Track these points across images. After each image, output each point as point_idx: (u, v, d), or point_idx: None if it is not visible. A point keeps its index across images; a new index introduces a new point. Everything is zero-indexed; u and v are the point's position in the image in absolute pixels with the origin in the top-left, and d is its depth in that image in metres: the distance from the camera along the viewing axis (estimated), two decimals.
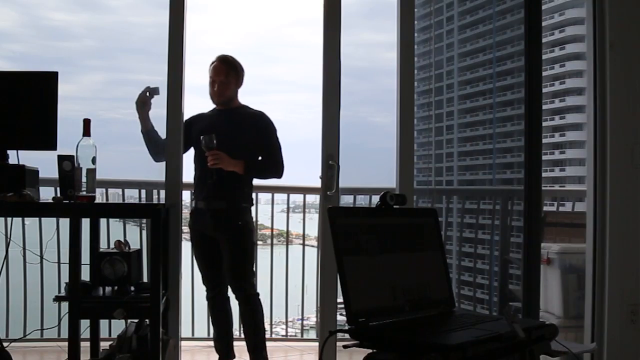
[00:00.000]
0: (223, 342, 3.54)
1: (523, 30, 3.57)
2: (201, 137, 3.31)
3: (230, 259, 3.42)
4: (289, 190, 4.94)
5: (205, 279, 3.58)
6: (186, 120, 3.48)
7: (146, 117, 3.33)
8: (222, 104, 3.50)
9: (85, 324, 3.06)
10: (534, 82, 3.52)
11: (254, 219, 3.67)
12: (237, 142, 3.40)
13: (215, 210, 3.41)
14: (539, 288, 3.57)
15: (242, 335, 4.46)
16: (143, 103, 3.29)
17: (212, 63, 3.49)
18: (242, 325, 3.56)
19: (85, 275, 2.90)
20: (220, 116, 3.51)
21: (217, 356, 3.55)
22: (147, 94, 3.27)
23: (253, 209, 3.59)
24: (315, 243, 4.81)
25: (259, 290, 3.56)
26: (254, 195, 3.64)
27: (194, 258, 3.66)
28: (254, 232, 3.64)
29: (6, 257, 3.06)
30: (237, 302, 3.49)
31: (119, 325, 3.43)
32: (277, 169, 3.51)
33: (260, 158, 3.50)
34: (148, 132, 3.34)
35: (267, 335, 3.37)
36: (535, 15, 3.52)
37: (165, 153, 3.24)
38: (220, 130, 3.37)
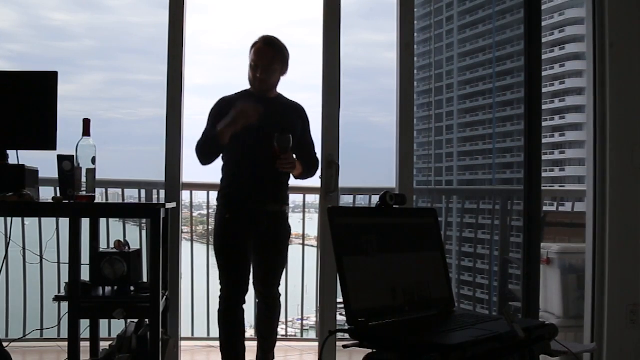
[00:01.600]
0: (238, 354, 3.12)
1: (523, 30, 3.57)
2: (275, 134, 2.88)
3: (269, 264, 3.16)
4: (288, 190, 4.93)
5: (233, 287, 3.03)
6: (220, 102, 3.09)
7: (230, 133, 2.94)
8: (262, 91, 3.08)
9: (85, 324, 3.06)
10: (534, 82, 3.52)
11: None
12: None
13: (271, 213, 3.07)
14: (539, 288, 3.57)
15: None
16: (246, 116, 2.91)
17: (254, 45, 3.06)
18: (258, 325, 3.32)
19: (85, 275, 2.90)
20: (260, 105, 3.05)
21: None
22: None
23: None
24: (315, 243, 4.80)
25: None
26: None
27: (223, 263, 3.07)
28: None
29: (6, 257, 3.06)
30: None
31: (118, 325, 3.42)
32: (317, 168, 3.22)
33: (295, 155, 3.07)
34: (220, 143, 2.97)
35: None
36: (535, 15, 3.52)
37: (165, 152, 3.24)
38: (263, 122, 2.95)
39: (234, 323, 3.04)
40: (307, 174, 3.17)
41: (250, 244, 3.06)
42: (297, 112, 3.15)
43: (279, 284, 3.24)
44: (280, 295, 3.28)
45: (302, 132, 3.13)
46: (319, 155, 3.20)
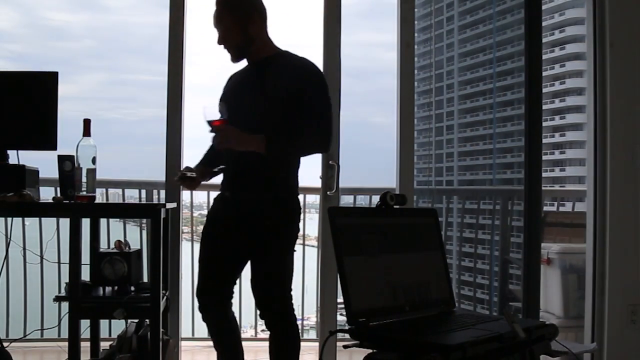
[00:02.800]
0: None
1: (523, 30, 3.57)
2: (203, 106, 2.39)
3: (253, 264, 2.56)
4: None
5: (203, 283, 2.61)
6: (228, 79, 2.70)
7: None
8: (237, 57, 2.56)
9: (85, 324, 3.05)
10: (534, 82, 3.52)
11: (294, 216, 2.56)
12: (258, 105, 2.46)
13: (244, 201, 2.53)
14: (539, 288, 3.57)
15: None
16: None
17: None
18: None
19: (85, 275, 2.90)
20: (247, 73, 2.60)
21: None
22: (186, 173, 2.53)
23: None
24: (315, 243, 4.80)
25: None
26: None
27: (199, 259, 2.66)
28: (289, 232, 2.53)
29: (6, 257, 3.06)
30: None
31: (119, 325, 3.42)
32: (321, 138, 2.46)
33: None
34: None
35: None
36: (535, 15, 3.52)
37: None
38: (239, 93, 2.52)
39: (213, 326, 2.64)
40: (299, 148, 2.51)
41: (232, 250, 2.57)
42: (288, 70, 2.50)
43: (275, 293, 2.52)
44: (284, 312, 2.53)
45: (298, 95, 2.44)
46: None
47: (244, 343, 2.71)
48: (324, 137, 2.47)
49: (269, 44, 2.57)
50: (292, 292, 2.57)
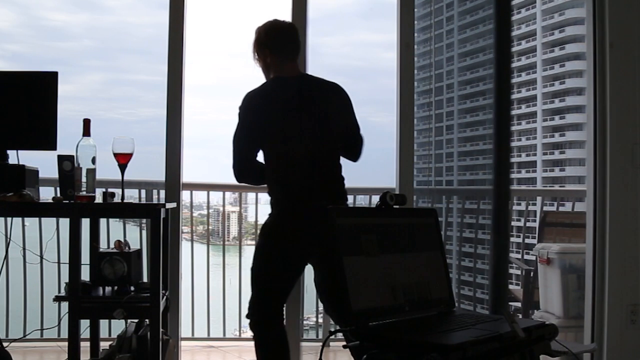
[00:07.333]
0: None
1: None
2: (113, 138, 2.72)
3: None
4: None
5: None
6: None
7: None
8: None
9: (85, 324, 3.05)
10: (503, 73, 3.36)
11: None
12: None
13: None
14: (507, 283, 3.46)
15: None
16: None
17: None
18: None
19: (85, 275, 2.90)
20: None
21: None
22: None
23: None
24: None
25: None
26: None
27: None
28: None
29: (6, 257, 3.06)
30: None
31: (119, 325, 3.42)
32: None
33: None
34: None
35: None
36: (504, 13, 3.40)
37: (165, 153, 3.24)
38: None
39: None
40: None
41: None
42: None
43: None
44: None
45: None
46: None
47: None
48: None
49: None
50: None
